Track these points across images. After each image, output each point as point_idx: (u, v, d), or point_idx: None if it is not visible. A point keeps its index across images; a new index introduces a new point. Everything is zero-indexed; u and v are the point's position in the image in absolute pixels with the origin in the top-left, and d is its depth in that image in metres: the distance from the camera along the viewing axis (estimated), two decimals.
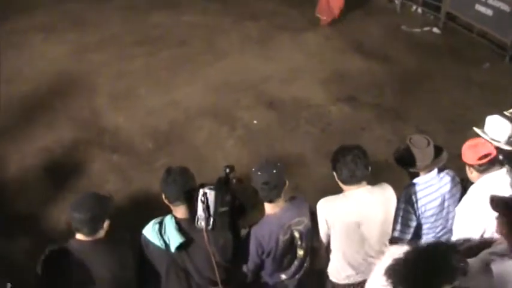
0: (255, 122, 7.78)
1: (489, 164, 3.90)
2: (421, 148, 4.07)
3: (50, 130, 7.52)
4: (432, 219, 4.14)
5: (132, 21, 10.42)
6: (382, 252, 3.95)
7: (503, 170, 3.91)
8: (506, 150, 4.36)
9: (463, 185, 4.27)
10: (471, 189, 3.97)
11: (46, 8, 10.85)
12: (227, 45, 9.88)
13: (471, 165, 3.95)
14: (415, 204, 4.04)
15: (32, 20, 10.36)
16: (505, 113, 4.88)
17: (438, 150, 4.14)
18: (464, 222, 3.88)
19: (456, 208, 4.06)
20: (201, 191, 3.30)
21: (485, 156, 3.88)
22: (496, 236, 3.40)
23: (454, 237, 4.11)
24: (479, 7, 10.12)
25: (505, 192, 3.73)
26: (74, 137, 7.42)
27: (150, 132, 7.54)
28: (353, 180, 3.74)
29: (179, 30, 10.31)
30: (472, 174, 3.99)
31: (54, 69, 8.86)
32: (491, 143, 4.16)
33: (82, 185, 6.54)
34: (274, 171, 3.57)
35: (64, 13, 10.66)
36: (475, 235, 3.75)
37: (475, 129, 4.74)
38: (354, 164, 3.70)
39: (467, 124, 7.34)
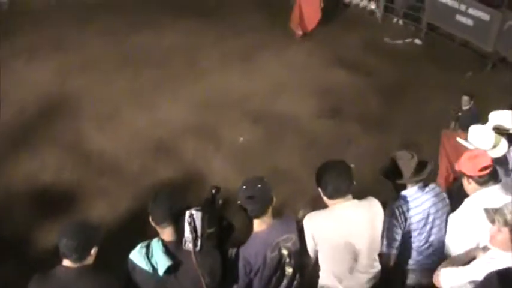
0: (241, 139, 7.76)
1: (489, 176, 3.87)
2: (406, 160, 4.07)
3: (35, 155, 7.46)
4: (416, 233, 4.12)
5: (113, 44, 10.38)
6: (372, 267, 3.94)
7: (498, 186, 3.89)
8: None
9: (450, 199, 4.26)
10: (466, 202, 3.95)
11: (26, 33, 10.77)
12: (209, 63, 9.89)
13: (470, 177, 3.91)
14: (399, 218, 4.02)
15: (12, 46, 10.28)
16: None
17: (423, 164, 4.13)
18: (458, 234, 3.86)
19: (450, 219, 4.04)
20: (187, 213, 3.25)
21: (486, 168, 3.85)
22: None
23: (447, 249, 4.10)
24: (459, 17, 10.25)
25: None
26: (59, 161, 7.37)
27: (136, 153, 7.51)
28: (338, 194, 3.72)
29: (160, 50, 10.29)
30: (470, 185, 3.95)
31: (36, 93, 8.80)
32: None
33: (69, 210, 6.47)
34: (259, 185, 3.55)
35: (45, 38, 10.60)
36: (467, 247, 3.73)
37: (459, 139, 4.76)
38: (339, 178, 3.68)
39: None
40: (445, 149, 6.42)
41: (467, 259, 3.63)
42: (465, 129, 5.29)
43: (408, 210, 4.05)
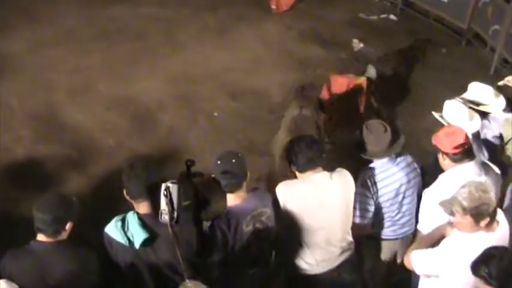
0: (215, 114, 7.76)
1: (463, 154, 3.91)
2: (376, 134, 4.09)
3: (8, 129, 7.33)
4: (388, 204, 4.19)
5: (88, 15, 10.19)
6: (345, 240, 4.01)
7: (473, 163, 3.94)
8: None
9: (422, 172, 4.32)
10: (441, 178, 4.00)
11: None
12: (186, 37, 9.77)
13: (445, 153, 3.96)
14: (371, 188, 4.08)
15: None
16: (459, 98, 4.95)
17: (395, 136, 4.17)
18: (431, 210, 3.93)
19: (423, 195, 4.10)
20: (163, 185, 3.27)
21: (461, 145, 3.90)
22: None
23: (420, 224, 4.17)
24: None
25: None
26: (33, 135, 7.28)
27: (111, 127, 7.45)
28: (309, 165, 3.78)
29: (137, 23, 10.14)
30: (444, 161, 4.01)
31: (8, 66, 8.63)
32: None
33: (43, 184, 6.40)
34: (234, 160, 3.58)
35: (17, 8, 10.32)
36: (440, 223, 3.80)
37: (434, 113, 4.80)
38: (309, 149, 3.74)
39: (426, 106, 7.51)
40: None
41: (436, 237, 3.70)
42: None
43: (380, 180, 4.12)
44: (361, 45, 8.78)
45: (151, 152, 6.88)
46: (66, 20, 10.13)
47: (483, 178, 3.88)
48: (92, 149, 7.08)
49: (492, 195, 3.32)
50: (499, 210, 3.47)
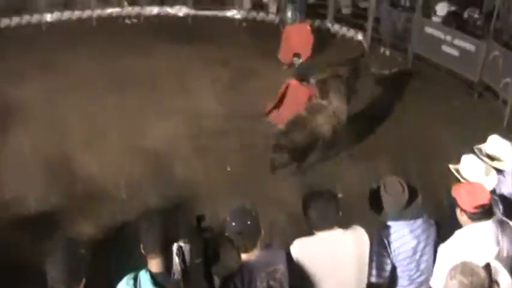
0: (228, 169, 7.78)
1: (482, 213, 3.85)
2: (394, 195, 4.00)
3: (21, 177, 7.40)
4: (405, 263, 4.09)
5: (102, 67, 10.38)
6: None
7: (490, 221, 3.88)
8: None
9: (437, 226, 4.26)
10: (457, 235, 3.93)
11: (15, 58, 10.75)
12: (199, 88, 9.92)
13: (464, 210, 3.90)
14: (388, 247, 3.99)
15: (1, 69, 10.23)
16: (475, 148, 4.92)
17: (413, 195, 4.08)
18: (446, 265, 3.84)
19: (439, 250, 4.02)
20: (175, 245, 3.25)
21: (482, 206, 3.84)
22: None
23: (433, 280, 4.08)
24: (445, 48, 10.41)
25: (488, 244, 3.74)
26: (45, 184, 7.31)
27: (123, 177, 7.46)
28: (325, 225, 3.73)
29: (151, 74, 10.32)
30: (462, 217, 3.91)
31: (23, 114, 8.77)
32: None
33: (54, 233, 6.36)
34: (249, 222, 3.51)
35: (34, 62, 10.56)
36: None
37: (451, 166, 4.74)
38: (325, 209, 3.69)
39: (440, 159, 7.46)
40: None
41: None
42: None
43: (397, 239, 4.03)
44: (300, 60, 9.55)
45: (164, 203, 6.86)
46: (81, 69, 10.36)
47: (500, 237, 3.82)
48: (104, 199, 7.08)
49: (481, 272, 3.22)
50: (496, 268, 3.37)
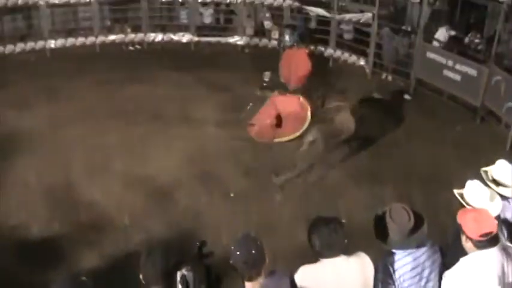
0: (231, 195, 7.75)
1: (488, 241, 3.82)
2: (399, 223, 3.97)
3: (24, 206, 7.39)
4: None
5: (107, 95, 10.46)
6: None
7: (496, 249, 3.84)
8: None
9: (442, 253, 4.22)
10: (462, 262, 3.89)
11: (19, 85, 10.88)
12: (201, 115, 9.94)
13: (470, 238, 3.86)
14: (393, 275, 3.96)
15: (5, 97, 10.35)
16: (482, 170, 4.91)
17: (418, 222, 4.04)
18: None
19: (444, 277, 3.98)
20: (179, 273, 3.24)
21: (487, 234, 3.80)
22: None
23: None
24: (447, 72, 10.45)
25: (493, 272, 3.71)
26: (48, 212, 7.30)
27: (127, 206, 7.44)
28: (330, 253, 3.71)
29: (153, 102, 10.37)
30: (467, 243, 3.88)
31: (27, 144, 8.78)
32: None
33: (58, 264, 6.37)
34: (254, 251, 3.49)
35: (38, 89, 10.67)
36: None
37: (455, 191, 4.71)
38: (331, 238, 3.67)
39: (443, 183, 7.47)
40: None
41: None
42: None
43: (402, 266, 4.01)
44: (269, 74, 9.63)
45: (167, 232, 6.84)
46: (85, 98, 10.43)
47: (505, 264, 3.78)
48: (107, 228, 7.05)
49: None
50: None
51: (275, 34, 13.45)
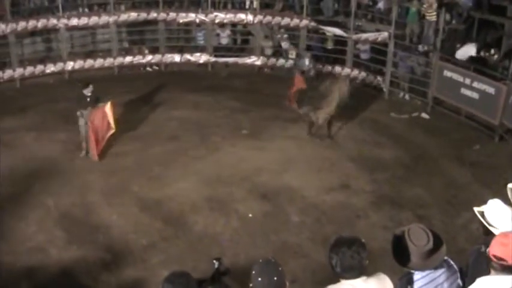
0: (250, 215, 7.73)
1: (505, 268, 3.75)
2: (419, 245, 3.93)
3: (42, 228, 7.43)
4: None
5: (124, 118, 10.52)
6: None
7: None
8: None
9: (461, 274, 4.17)
10: (479, 281, 3.85)
11: (38, 109, 11.03)
12: (219, 138, 9.98)
13: (491, 259, 3.81)
14: None
15: (24, 120, 10.49)
16: (508, 188, 4.83)
17: (437, 242, 4.00)
18: None
19: None
20: None
21: (501, 259, 3.74)
22: None
23: None
24: (465, 91, 10.38)
25: None
26: (66, 235, 7.31)
27: (144, 229, 7.44)
28: (351, 275, 3.67)
29: (171, 125, 10.44)
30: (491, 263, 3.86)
31: (46, 168, 8.85)
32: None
33: (75, 285, 6.39)
34: (275, 278, 3.47)
35: (56, 112, 10.77)
36: None
37: (475, 209, 4.64)
38: (352, 260, 3.63)
39: (461, 203, 7.40)
40: None
41: None
42: None
43: (421, 286, 3.97)
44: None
45: (185, 254, 6.83)
46: None
47: None
48: (124, 251, 7.05)
49: None
50: None
51: (292, 54, 13.55)
